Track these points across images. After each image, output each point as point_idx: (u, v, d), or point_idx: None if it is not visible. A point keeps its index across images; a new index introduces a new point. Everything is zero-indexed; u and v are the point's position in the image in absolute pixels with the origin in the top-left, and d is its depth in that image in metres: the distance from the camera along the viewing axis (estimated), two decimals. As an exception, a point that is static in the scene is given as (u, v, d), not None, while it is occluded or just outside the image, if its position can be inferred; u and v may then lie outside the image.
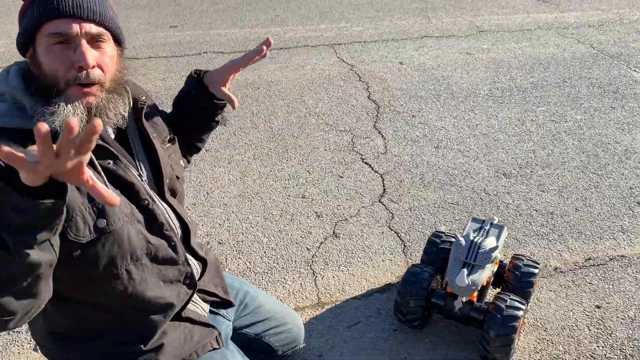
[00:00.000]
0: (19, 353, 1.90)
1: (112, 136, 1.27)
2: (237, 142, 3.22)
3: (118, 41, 1.20)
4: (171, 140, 1.44)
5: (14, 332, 1.97)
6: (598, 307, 2.09)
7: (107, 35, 1.15)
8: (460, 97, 3.76)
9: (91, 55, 1.10)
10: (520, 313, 1.76)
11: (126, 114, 1.22)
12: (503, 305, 1.78)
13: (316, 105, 3.63)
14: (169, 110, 1.58)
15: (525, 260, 1.99)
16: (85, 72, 1.09)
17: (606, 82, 3.95)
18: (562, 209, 2.65)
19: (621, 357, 1.88)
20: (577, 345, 1.93)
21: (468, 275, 1.79)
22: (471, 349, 1.91)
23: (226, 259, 2.34)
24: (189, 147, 1.64)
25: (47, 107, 1.07)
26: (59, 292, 1.15)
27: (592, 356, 1.89)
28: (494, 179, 2.87)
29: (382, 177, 2.89)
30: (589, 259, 2.34)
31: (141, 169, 1.29)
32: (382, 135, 3.27)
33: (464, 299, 1.87)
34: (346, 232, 2.49)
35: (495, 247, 1.85)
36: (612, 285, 2.20)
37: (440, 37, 4.91)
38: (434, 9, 5.81)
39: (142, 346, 1.32)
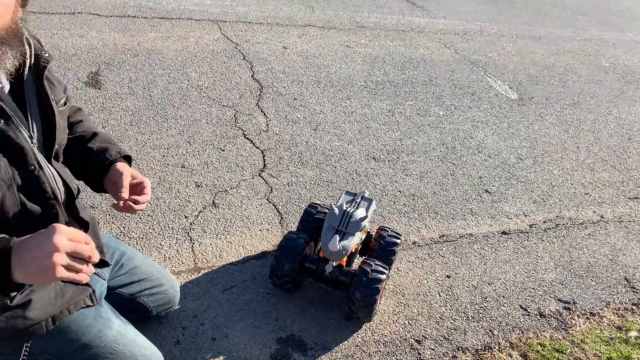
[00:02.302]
0: None
1: (7, 89, 1.20)
2: (113, 107, 3.09)
3: None
4: (65, 104, 1.39)
5: None
6: (448, 276, 2.37)
7: None
8: (339, 85, 3.95)
9: None
10: (383, 277, 1.95)
11: (11, 68, 1.13)
12: (368, 269, 1.95)
13: (199, 79, 3.60)
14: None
15: (389, 231, 2.19)
16: None
17: (466, 85, 4.39)
18: (422, 191, 2.93)
19: (464, 318, 2.16)
20: (429, 308, 2.18)
21: (340, 241, 1.94)
22: (337, 310, 2.06)
23: (99, 223, 2.26)
24: None
25: None
26: None
27: (441, 317, 2.14)
28: (365, 162, 3.08)
29: (263, 153, 2.96)
30: (443, 235, 2.63)
31: (32, 130, 1.24)
32: (265, 114, 3.35)
33: (334, 264, 2.01)
34: (225, 203, 2.54)
35: (365, 217, 2.02)
36: (461, 258, 2.50)
37: (323, 27, 5.09)
38: (318, 1, 5.99)
39: (8, 302, 1.27)
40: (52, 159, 1.30)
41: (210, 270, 2.15)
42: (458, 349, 2.01)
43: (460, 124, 3.74)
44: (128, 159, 1.56)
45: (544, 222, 2.86)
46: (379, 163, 3.11)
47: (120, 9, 4.50)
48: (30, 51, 1.22)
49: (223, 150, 2.90)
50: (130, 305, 1.74)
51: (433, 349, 1.99)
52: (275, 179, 2.77)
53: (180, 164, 2.74)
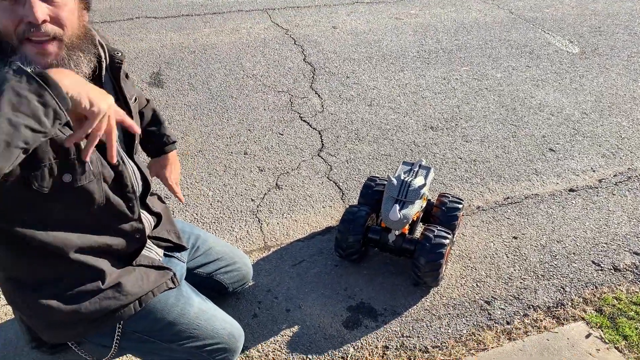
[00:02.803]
0: (-30, 307, 1.93)
1: None
2: (176, 103, 3.26)
3: None
4: (135, 100, 1.48)
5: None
6: (515, 237, 2.36)
7: None
8: (391, 59, 3.94)
9: (40, 8, 1.05)
10: (447, 241, 1.97)
11: (88, 72, 1.19)
12: (431, 235, 1.98)
13: (253, 68, 3.71)
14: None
15: (451, 197, 2.21)
16: (36, 26, 1.05)
17: (523, 44, 4.25)
18: (484, 156, 2.90)
19: (533, 277, 2.15)
20: (497, 270, 2.18)
21: (400, 210, 1.98)
22: (405, 277, 2.11)
23: (173, 212, 2.42)
24: None
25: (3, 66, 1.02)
26: (16, 234, 1.20)
27: (509, 278, 2.15)
28: (423, 132, 3.09)
29: (320, 133, 3.03)
30: (507, 197, 2.60)
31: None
32: (319, 95, 3.41)
33: (396, 232, 2.06)
34: (288, 184, 2.64)
35: (423, 185, 2.05)
36: (527, 219, 2.47)
37: (371, 2, 5.07)
38: (364, -24, 5.95)
39: (100, 284, 1.39)
40: (134, 155, 1.42)
41: (279, 247, 2.26)
42: (529, 307, 2.01)
43: (519, 84, 3.64)
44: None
45: (614, 175, 2.76)
46: (437, 132, 3.10)
47: (175, 9, 4.68)
48: (104, 52, 1.31)
49: (282, 135, 3.00)
50: (208, 284, 1.86)
51: (503, 309, 2.00)
52: (334, 157, 2.83)
53: (242, 151, 2.86)
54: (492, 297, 2.05)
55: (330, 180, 2.68)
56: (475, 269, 2.18)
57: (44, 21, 1.06)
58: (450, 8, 4.99)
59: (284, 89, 3.46)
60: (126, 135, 1.40)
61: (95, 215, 1.30)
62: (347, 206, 2.50)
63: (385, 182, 2.24)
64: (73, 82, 1.04)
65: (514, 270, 2.18)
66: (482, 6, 5.04)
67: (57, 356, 1.73)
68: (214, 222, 2.39)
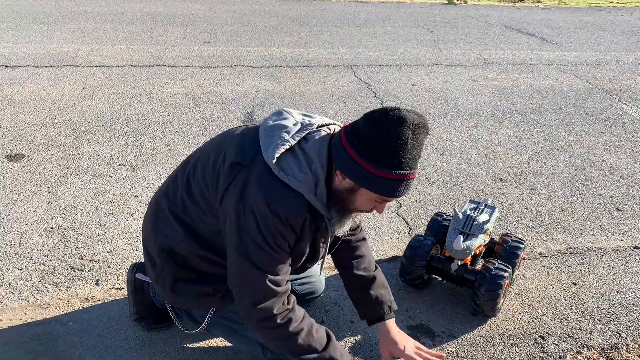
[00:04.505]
0: (83, 286, 2.26)
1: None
2: (265, 139, 3.62)
3: None
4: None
5: (77, 269, 2.34)
6: (574, 284, 2.45)
7: None
8: (466, 115, 4.17)
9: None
10: (506, 274, 2.12)
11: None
12: (492, 267, 2.14)
13: (335, 115, 4.05)
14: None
15: (513, 237, 2.36)
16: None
17: (598, 112, 4.36)
18: (550, 209, 3.02)
19: (590, 320, 2.23)
20: (554, 310, 2.28)
21: (464, 241, 2.16)
22: (464, 307, 2.25)
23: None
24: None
25: (331, 215, 1.50)
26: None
27: (565, 318, 2.24)
28: (491, 182, 3.25)
29: (392, 174, 3.27)
30: (570, 248, 2.70)
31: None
32: (394, 142, 3.67)
33: (459, 262, 2.23)
34: (360, 216, 2.86)
35: (487, 221, 2.22)
36: (588, 269, 2.55)
37: (450, 65, 5.37)
38: (445, 42, 6.30)
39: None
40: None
41: (348, 268, 2.46)
42: (583, 346, 2.09)
43: (590, 148, 3.75)
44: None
45: (683, 238, 2.79)
46: (506, 183, 3.25)
47: (269, 60, 5.18)
48: None
49: (358, 172, 3.26)
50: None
51: (557, 344, 2.09)
52: (404, 197, 3.05)
53: (321, 183, 3.13)
54: (547, 332, 2.15)
55: (399, 216, 2.89)
56: (533, 307, 2.29)
57: None
58: (527, 75, 5.19)
59: (363, 134, 3.75)
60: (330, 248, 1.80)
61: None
62: (414, 239, 2.69)
63: (452, 217, 2.43)
64: None
65: (571, 312, 2.27)
66: (560, 75, 5.21)
67: (151, 332, 2.02)
68: (291, 241, 2.64)
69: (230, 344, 1.95)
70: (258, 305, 1.50)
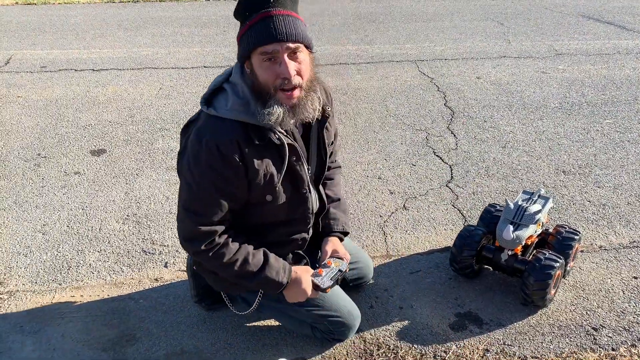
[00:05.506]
0: (153, 267, 2.48)
1: (300, 133, 1.73)
2: (326, 134, 3.74)
3: (309, 47, 1.52)
4: (331, 143, 1.91)
5: (148, 253, 2.56)
6: (635, 277, 2.37)
7: (302, 47, 1.48)
8: (531, 108, 4.08)
9: (291, 67, 1.45)
10: (556, 264, 2.10)
11: (319, 108, 1.63)
12: (542, 257, 2.13)
13: (397, 109, 4.10)
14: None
15: (567, 228, 2.33)
16: (287, 80, 1.46)
17: (678, 102, 4.12)
18: (615, 202, 2.92)
19: (649, 315, 2.16)
20: (610, 303, 2.23)
21: (514, 231, 2.16)
22: (514, 297, 2.25)
23: (312, 219, 2.82)
24: None
25: (264, 108, 1.51)
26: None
27: (622, 312, 2.18)
28: (554, 175, 3.19)
29: (450, 167, 3.29)
30: (634, 241, 2.61)
31: (310, 165, 1.79)
32: (455, 135, 3.67)
33: (509, 252, 2.23)
34: (415, 207, 2.91)
35: (539, 211, 2.21)
36: (652, 263, 2.46)
37: (518, 57, 5.24)
38: (515, 34, 6.14)
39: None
40: (319, 186, 1.89)
41: (399, 257, 2.53)
42: (639, 340, 2.03)
43: (666, 139, 3.56)
44: (346, 234, 2.03)
45: None
46: (569, 176, 3.17)
47: (334, 58, 5.30)
48: (321, 89, 1.73)
49: (414, 165, 3.30)
50: (333, 274, 2.20)
51: (610, 337, 2.05)
52: (461, 189, 3.06)
53: (377, 175, 3.21)
54: (600, 325, 2.11)
55: (455, 208, 2.90)
56: (587, 299, 2.24)
57: (293, 75, 1.47)
58: (601, 65, 4.97)
59: (422, 128, 3.78)
60: (316, 172, 1.84)
61: (279, 223, 1.80)
62: (467, 230, 2.71)
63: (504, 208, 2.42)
64: (292, 295, 1.80)
65: (629, 305, 2.21)
66: (638, 64, 4.95)
67: (210, 312, 2.18)
68: (346, 231, 2.73)
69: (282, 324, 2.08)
70: (187, 242, 1.67)
